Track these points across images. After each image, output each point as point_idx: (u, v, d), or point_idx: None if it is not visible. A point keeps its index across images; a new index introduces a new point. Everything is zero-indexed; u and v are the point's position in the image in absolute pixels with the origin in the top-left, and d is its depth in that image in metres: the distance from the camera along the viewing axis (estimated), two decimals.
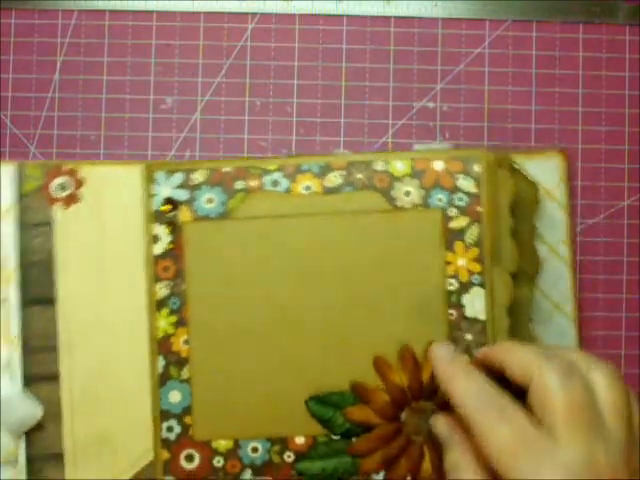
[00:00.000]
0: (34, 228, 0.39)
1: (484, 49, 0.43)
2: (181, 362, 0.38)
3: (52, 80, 0.42)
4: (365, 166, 0.39)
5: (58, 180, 0.39)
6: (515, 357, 0.31)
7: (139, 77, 0.42)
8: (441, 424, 0.35)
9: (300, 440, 0.38)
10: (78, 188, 0.39)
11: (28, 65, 0.42)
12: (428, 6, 0.43)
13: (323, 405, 0.38)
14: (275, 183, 0.39)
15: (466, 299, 0.38)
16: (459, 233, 0.38)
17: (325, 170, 0.39)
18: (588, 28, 0.43)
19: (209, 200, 0.39)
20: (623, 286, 0.42)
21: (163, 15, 0.43)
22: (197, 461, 0.38)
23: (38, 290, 0.39)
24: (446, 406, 0.35)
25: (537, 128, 0.42)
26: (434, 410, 0.37)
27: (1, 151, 0.42)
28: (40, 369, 0.39)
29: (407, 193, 0.39)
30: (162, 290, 0.39)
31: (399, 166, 0.39)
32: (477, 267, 0.38)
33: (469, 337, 0.38)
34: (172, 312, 0.39)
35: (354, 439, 0.38)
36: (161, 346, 0.39)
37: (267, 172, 0.39)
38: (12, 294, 0.39)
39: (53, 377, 0.39)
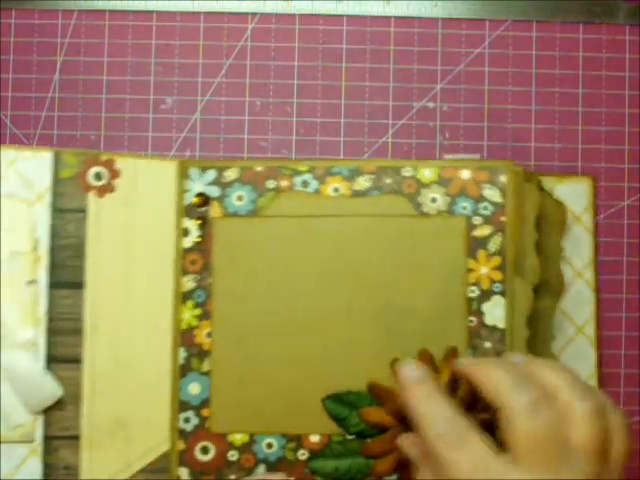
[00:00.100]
0: (68, 213, 0.40)
1: (484, 49, 0.43)
2: (203, 355, 0.39)
3: (52, 80, 0.42)
4: (394, 171, 0.40)
5: (95, 169, 0.40)
6: (487, 379, 0.30)
7: (139, 77, 0.42)
8: (408, 445, 0.35)
9: (315, 438, 0.39)
10: (113, 179, 0.40)
11: (28, 65, 0.42)
12: (428, 6, 0.43)
13: (339, 404, 0.39)
14: (305, 184, 0.40)
15: (486, 307, 0.39)
16: (482, 241, 0.39)
17: (354, 174, 0.40)
18: (588, 28, 0.43)
19: (239, 197, 0.40)
20: (623, 286, 0.42)
21: (163, 15, 0.43)
22: (212, 453, 0.39)
23: (67, 274, 0.39)
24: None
25: (537, 128, 0.42)
26: None
27: None
28: (64, 351, 0.39)
29: (433, 200, 0.39)
30: (188, 283, 0.39)
31: (427, 173, 0.40)
32: (499, 276, 0.39)
33: (488, 345, 0.39)
34: (197, 305, 0.39)
35: (369, 440, 0.38)
36: (184, 338, 0.39)
37: (298, 173, 0.40)
38: (42, 276, 0.39)
39: (76, 360, 0.39)
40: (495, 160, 0.41)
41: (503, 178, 0.39)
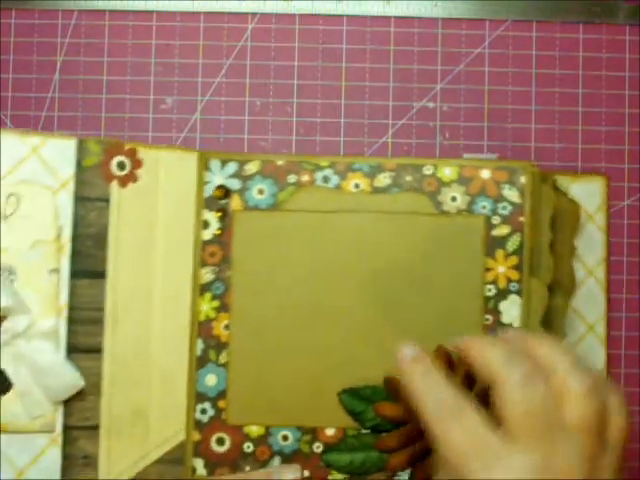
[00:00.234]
0: (91, 202, 0.39)
1: (484, 49, 0.43)
2: (220, 346, 0.39)
3: (52, 80, 0.42)
4: (414, 169, 0.40)
5: (118, 158, 0.39)
6: (480, 356, 0.30)
7: (139, 77, 0.42)
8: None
9: (330, 432, 0.39)
10: (136, 168, 0.40)
11: (28, 65, 0.42)
12: (428, 6, 0.43)
13: (355, 398, 0.39)
14: (326, 179, 0.40)
15: (503, 306, 0.39)
16: (501, 241, 0.39)
17: (376, 170, 0.40)
18: (588, 28, 0.43)
19: (260, 191, 0.40)
20: (623, 286, 0.42)
21: (163, 15, 0.43)
22: (228, 445, 0.39)
23: (89, 263, 0.39)
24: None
25: (537, 128, 0.42)
26: None
27: None
28: (85, 340, 0.39)
29: (453, 198, 0.40)
30: (207, 275, 0.40)
31: (447, 172, 0.40)
32: (516, 275, 0.39)
33: None
34: (215, 297, 0.40)
35: (384, 434, 0.39)
36: (202, 329, 0.39)
37: (319, 168, 0.40)
38: (64, 264, 0.39)
39: (96, 349, 0.39)
40: (514, 160, 0.41)
41: (522, 179, 0.39)
